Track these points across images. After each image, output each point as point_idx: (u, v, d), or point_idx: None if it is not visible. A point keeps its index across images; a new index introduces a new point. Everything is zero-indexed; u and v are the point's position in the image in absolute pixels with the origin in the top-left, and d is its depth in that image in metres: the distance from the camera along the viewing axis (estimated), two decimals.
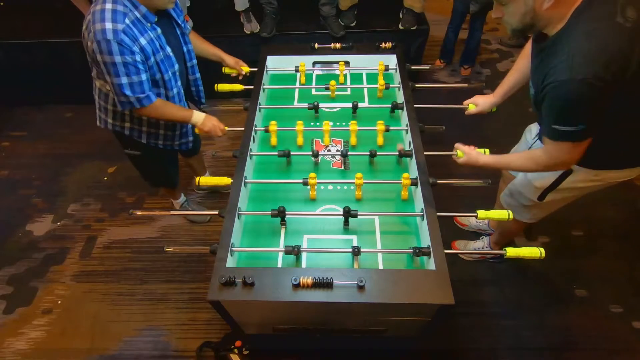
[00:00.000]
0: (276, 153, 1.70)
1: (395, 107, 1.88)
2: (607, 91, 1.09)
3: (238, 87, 2.00)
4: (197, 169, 2.48)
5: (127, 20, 1.43)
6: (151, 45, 1.54)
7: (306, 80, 2.11)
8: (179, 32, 1.72)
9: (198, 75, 1.93)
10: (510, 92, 1.69)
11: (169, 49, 1.63)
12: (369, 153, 1.69)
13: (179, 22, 1.71)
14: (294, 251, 1.37)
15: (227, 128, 1.79)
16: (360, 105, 1.91)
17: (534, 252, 1.34)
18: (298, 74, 2.10)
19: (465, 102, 1.79)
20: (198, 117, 1.75)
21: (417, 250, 1.36)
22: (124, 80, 1.49)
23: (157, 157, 2.01)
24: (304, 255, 1.45)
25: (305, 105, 1.91)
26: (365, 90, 2.07)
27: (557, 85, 1.11)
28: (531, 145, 1.72)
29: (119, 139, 1.90)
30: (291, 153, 1.71)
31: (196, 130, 1.82)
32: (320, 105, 1.94)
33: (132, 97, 1.54)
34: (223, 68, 2.06)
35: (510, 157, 1.49)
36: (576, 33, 1.09)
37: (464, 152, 1.52)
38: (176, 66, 1.69)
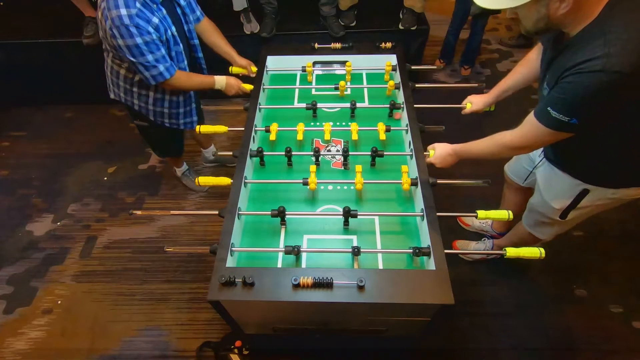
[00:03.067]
0: (273, 153, 1.71)
1: (393, 106, 1.87)
2: (633, 91, 1.03)
3: (248, 87, 1.99)
4: (202, 141, 2.65)
5: (137, 4, 1.53)
6: (161, 25, 1.63)
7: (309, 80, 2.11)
8: (179, 12, 1.80)
9: (201, 54, 2.01)
10: (506, 94, 1.68)
11: (174, 29, 1.72)
12: (369, 153, 1.68)
13: (179, 2, 1.78)
14: (294, 251, 1.37)
15: (227, 129, 1.78)
16: (360, 105, 1.91)
17: (534, 252, 1.33)
18: (305, 73, 2.10)
19: (464, 102, 1.79)
20: (220, 81, 1.91)
21: (417, 250, 1.36)
22: (150, 57, 1.62)
23: (163, 131, 2.11)
24: (304, 255, 1.45)
25: (305, 105, 1.90)
26: (365, 90, 2.07)
27: (584, 73, 1.03)
28: (537, 163, 1.66)
29: (129, 110, 2.02)
30: (292, 153, 1.70)
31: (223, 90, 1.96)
32: (320, 105, 1.93)
33: (161, 67, 1.66)
34: (230, 68, 2.08)
35: (475, 142, 1.45)
36: (612, 24, 1.02)
37: (434, 147, 1.55)
38: (180, 45, 1.78)
